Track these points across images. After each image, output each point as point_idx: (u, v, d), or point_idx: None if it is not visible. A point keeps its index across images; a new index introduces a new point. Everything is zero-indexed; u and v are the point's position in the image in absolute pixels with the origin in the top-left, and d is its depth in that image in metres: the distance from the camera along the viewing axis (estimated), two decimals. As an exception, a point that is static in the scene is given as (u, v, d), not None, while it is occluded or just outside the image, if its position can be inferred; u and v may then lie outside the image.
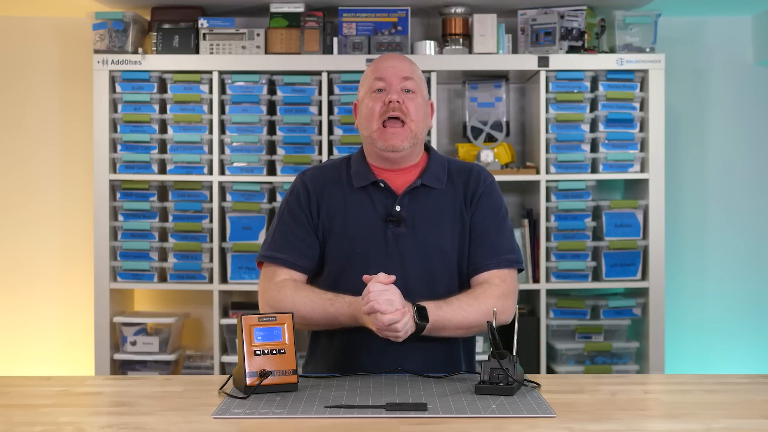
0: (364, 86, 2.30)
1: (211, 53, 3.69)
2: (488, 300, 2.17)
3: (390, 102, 2.22)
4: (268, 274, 2.26)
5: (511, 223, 2.35)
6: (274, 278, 2.24)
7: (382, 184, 2.25)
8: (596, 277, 3.78)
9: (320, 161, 3.70)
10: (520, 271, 2.30)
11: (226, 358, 3.71)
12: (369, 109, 2.25)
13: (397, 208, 2.23)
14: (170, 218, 3.74)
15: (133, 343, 3.74)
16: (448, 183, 2.28)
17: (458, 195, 2.27)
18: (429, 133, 3.69)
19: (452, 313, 2.13)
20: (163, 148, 3.76)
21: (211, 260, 3.71)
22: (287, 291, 2.20)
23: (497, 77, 3.90)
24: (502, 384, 1.91)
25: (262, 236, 3.73)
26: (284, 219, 2.28)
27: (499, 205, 2.30)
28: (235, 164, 3.72)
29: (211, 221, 3.71)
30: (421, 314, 2.08)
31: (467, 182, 2.29)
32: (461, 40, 3.77)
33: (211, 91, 3.70)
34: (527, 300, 3.86)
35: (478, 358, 3.61)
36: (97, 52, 3.69)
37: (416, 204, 2.25)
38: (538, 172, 3.71)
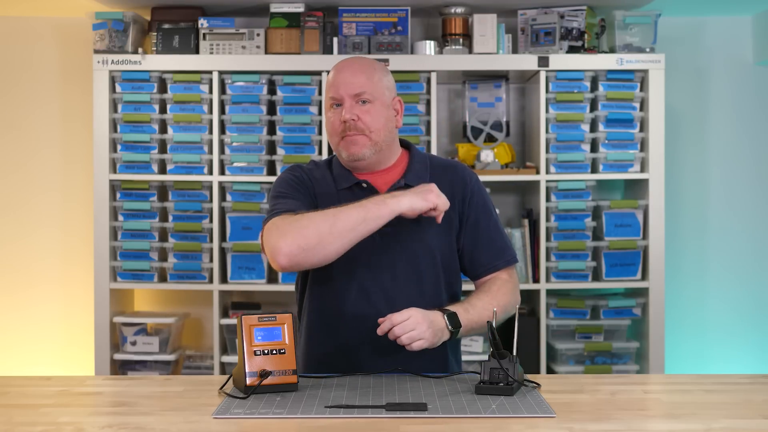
0: (325, 95, 2.28)
1: (211, 53, 3.69)
2: (506, 296, 2.25)
3: (345, 121, 2.20)
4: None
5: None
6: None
7: (365, 185, 2.26)
8: (596, 277, 3.78)
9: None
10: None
11: (226, 358, 3.71)
12: (330, 123, 2.25)
13: None
14: (170, 218, 3.74)
15: (133, 343, 3.74)
16: (431, 181, 2.25)
17: (445, 193, 2.21)
18: (428, 133, 3.70)
19: (478, 315, 2.17)
20: (163, 148, 3.76)
21: (211, 260, 3.71)
22: (299, 214, 2.11)
23: (497, 77, 3.90)
24: (502, 384, 1.91)
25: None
26: (283, 192, 2.22)
27: (486, 201, 2.32)
28: (235, 164, 3.72)
29: (211, 221, 3.71)
30: (453, 321, 2.11)
31: (453, 181, 2.28)
32: (461, 40, 3.77)
33: (211, 91, 3.70)
34: (527, 300, 3.86)
35: (477, 358, 3.68)
36: (97, 52, 3.69)
37: None
38: (538, 172, 3.71)
